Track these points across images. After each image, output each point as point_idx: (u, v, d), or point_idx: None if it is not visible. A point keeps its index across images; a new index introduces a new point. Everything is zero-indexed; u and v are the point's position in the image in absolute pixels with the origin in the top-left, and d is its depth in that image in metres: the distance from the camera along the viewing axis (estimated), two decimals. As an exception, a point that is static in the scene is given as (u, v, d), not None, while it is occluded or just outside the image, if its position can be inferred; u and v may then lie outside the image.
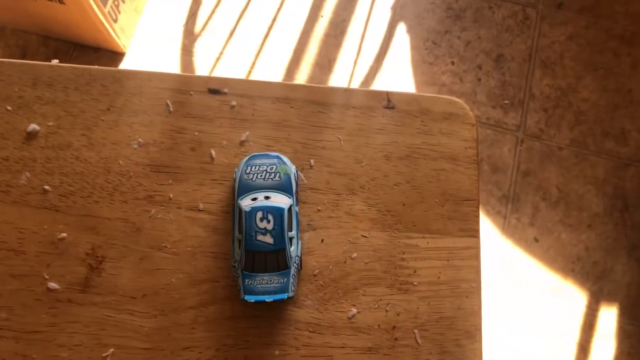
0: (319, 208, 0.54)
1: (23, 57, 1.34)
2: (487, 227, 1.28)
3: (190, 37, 1.38)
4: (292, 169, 0.53)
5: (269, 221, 0.49)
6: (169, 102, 0.56)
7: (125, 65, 1.34)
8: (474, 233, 0.54)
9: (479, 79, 1.39)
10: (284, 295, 0.49)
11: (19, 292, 0.50)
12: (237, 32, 1.38)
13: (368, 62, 1.39)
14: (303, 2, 1.42)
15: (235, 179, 0.52)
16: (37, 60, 1.28)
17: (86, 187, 0.53)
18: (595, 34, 1.45)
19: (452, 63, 1.40)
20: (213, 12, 1.39)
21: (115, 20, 1.29)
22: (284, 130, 0.56)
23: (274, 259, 0.49)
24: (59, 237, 0.52)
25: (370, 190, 0.55)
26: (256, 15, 1.40)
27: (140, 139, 0.55)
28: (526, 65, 1.41)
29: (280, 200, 0.50)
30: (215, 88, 0.57)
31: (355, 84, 1.37)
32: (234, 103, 0.56)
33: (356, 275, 0.53)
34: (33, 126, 0.54)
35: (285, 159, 0.53)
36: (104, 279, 0.51)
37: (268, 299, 0.48)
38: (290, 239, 0.50)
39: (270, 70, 1.36)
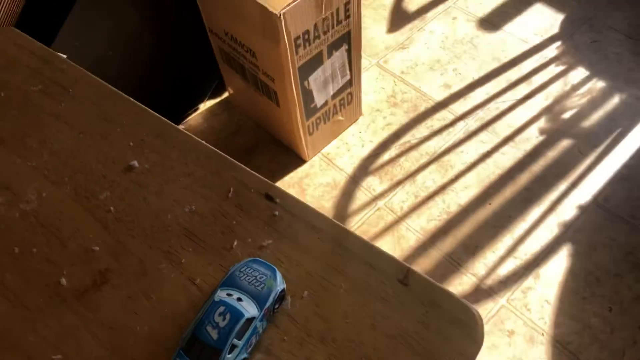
0: (285, 338, 0.54)
1: (236, 132, 1.62)
2: None
3: (362, 171, 1.49)
4: (279, 288, 0.54)
5: (224, 319, 0.51)
6: (232, 189, 0.64)
7: (299, 171, 1.52)
8: None
9: (635, 342, 1.17)
10: (196, 394, 0.48)
11: (40, 272, 0.61)
12: (405, 183, 1.45)
13: (514, 266, 1.30)
14: (475, 184, 1.43)
15: (229, 270, 0.56)
16: (241, 141, 1.55)
17: (134, 221, 0.63)
18: None
19: (610, 310, 1.22)
20: (392, 160, 1.50)
21: (311, 134, 1.49)
22: (301, 255, 0.58)
23: (208, 355, 0.50)
24: (93, 248, 0.62)
25: (339, 349, 0.52)
26: (429, 180, 1.45)
27: (193, 207, 0.63)
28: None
29: (247, 308, 0.52)
30: (271, 195, 0.63)
31: (492, 280, 1.29)
32: (276, 213, 0.61)
33: (277, 422, 0.50)
34: (134, 162, 0.67)
35: (279, 276, 0.55)
36: (97, 296, 0.59)
37: (181, 387, 0.49)
38: (234, 346, 0.50)
39: (418, 232, 1.37)
